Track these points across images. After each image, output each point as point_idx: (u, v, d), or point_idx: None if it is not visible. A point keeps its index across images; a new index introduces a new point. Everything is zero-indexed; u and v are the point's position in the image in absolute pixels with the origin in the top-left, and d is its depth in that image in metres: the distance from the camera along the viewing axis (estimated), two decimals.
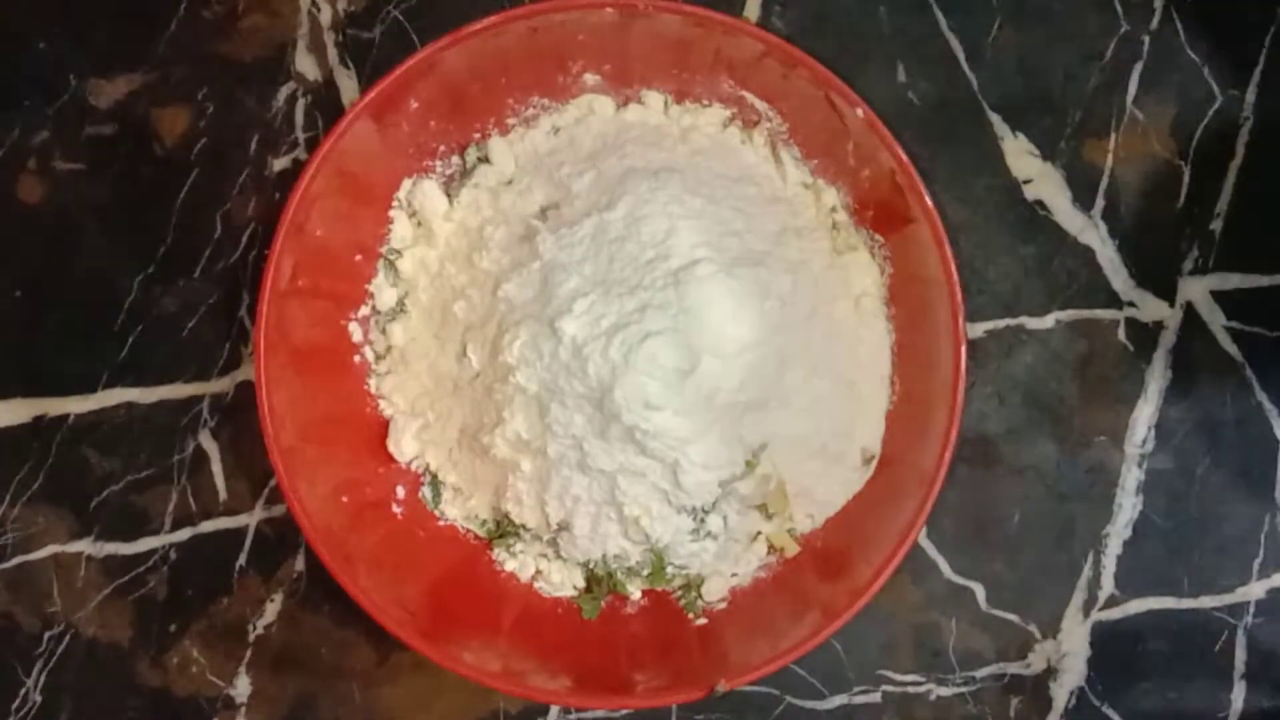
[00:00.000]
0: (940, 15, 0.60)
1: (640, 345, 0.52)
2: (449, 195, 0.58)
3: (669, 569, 0.56)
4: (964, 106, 0.60)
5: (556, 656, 0.55)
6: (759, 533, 0.56)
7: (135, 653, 0.59)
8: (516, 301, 0.53)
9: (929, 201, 0.53)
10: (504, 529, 0.57)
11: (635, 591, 0.57)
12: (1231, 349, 0.59)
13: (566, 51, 0.56)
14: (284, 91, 0.60)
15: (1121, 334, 0.59)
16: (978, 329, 0.59)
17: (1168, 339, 0.59)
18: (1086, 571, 0.59)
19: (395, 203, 0.57)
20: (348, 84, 0.60)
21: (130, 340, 0.59)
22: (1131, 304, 0.59)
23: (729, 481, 0.54)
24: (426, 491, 0.57)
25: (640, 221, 0.53)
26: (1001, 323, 0.59)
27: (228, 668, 0.59)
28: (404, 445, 0.57)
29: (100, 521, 0.59)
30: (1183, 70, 0.60)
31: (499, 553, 0.57)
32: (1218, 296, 0.59)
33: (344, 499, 0.55)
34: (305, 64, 0.60)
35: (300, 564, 0.59)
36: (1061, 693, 0.59)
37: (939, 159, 0.59)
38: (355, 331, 0.57)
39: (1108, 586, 0.59)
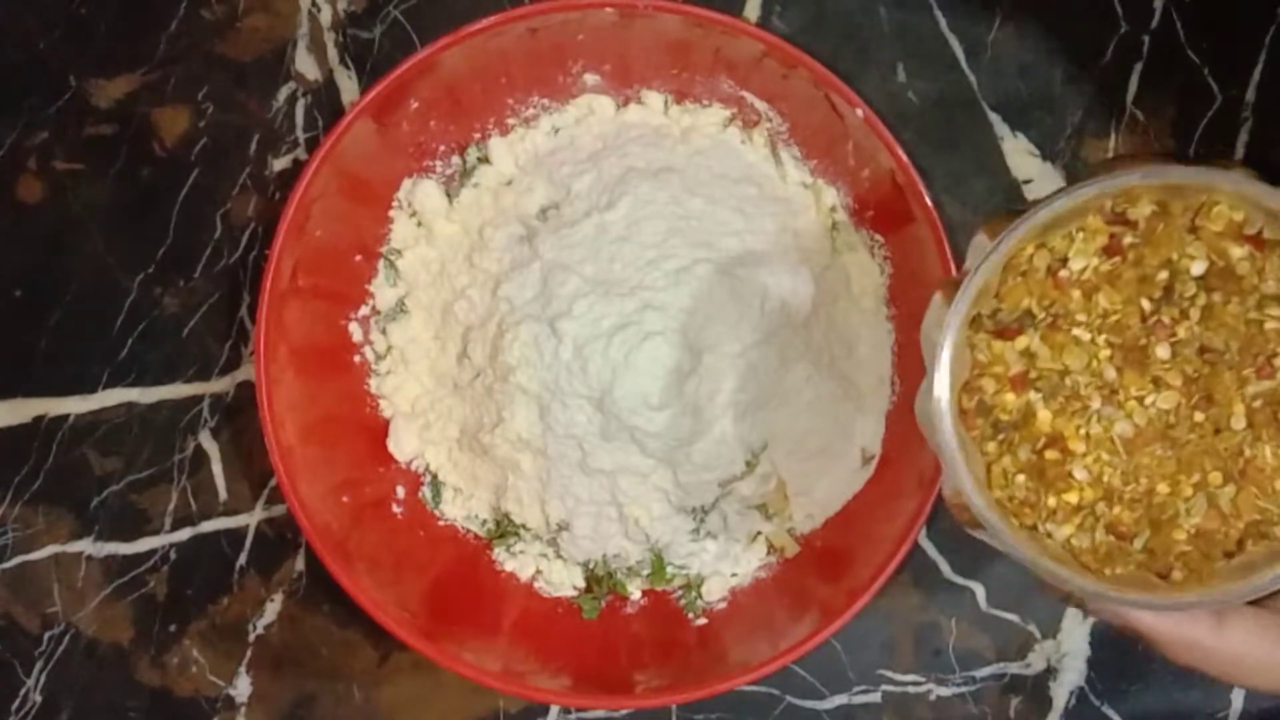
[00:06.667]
0: (940, 15, 0.60)
1: (640, 345, 0.52)
2: (449, 195, 0.58)
3: (669, 569, 0.56)
4: (964, 106, 0.60)
5: (556, 656, 0.55)
6: (759, 533, 0.56)
7: (135, 653, 0.59)
8: (517, 302, 0.53)
9: (929, 201, 0.53)
10: (504, 529, 0.57)
11: (635, 591, 0.57)
12: None
13: (566, 51, 0.56)
14: (284, 91, 0.60)
15: None
16: None
17: None
18: None
19: (395, 203, 0.57)
20: (348, 84, 0.60)
21: (130, 340, 0.59)
22: None
23: (729, 481, 0.54)
24: (426, 491, 0.57)
25: (640, 222, 0.53)
26: None
27: (228, 667, 0.59)
28: (404, 445, 0.57)
29: (100, 521, 0.59)
30: (1183, 70, 0.60)
31: (499, 553, 0.57)
32: None
33: (344, 499, 0.55)
34: (305, 64, 0.60)
35: (300, 564, 0.59)
36: (1061, 693, 0.58)
37: (939, 159, 0.58)
38: (355, 331, 0.57)
39: None
